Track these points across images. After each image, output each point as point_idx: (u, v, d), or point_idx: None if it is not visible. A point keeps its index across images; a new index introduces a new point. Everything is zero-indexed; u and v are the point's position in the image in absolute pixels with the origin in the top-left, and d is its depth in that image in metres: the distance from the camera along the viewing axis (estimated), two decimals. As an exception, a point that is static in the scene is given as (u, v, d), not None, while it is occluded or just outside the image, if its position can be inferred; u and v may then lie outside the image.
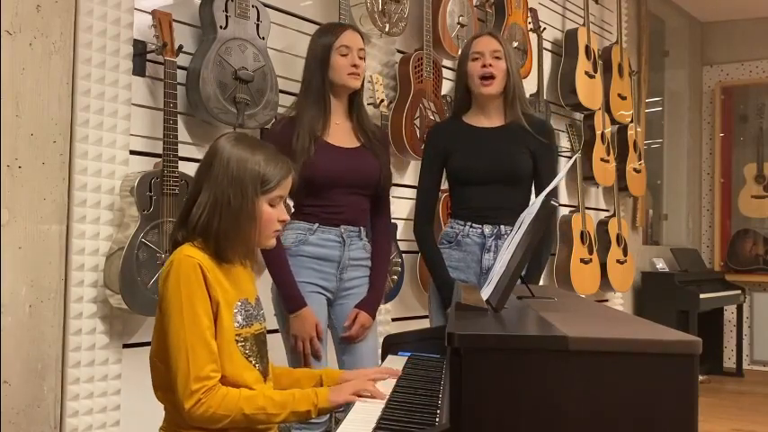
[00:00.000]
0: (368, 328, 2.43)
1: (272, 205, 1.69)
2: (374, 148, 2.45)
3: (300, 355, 2.32)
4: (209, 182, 1.66)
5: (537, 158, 2.61)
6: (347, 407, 1.59)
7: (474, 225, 2.60)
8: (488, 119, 2.64)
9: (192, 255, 1.61)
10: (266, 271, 3.01)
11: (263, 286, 2.94)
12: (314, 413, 1.62)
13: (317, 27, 2.59)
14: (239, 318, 1.67)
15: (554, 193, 2.64)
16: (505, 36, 4.15)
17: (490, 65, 2.56)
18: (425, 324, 3.69)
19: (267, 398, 1.61)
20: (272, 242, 1.74)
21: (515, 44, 4.24)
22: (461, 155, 2.61)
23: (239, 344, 1.66)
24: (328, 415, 2.39)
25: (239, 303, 1.68)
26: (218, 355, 1.60)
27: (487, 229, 2.58)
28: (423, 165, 2.73)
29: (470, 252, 2.59)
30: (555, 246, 4.63)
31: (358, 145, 2.43)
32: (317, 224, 2.37)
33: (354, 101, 2.46)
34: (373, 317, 2.45)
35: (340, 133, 2.42)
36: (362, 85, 2.46)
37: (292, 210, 2.48)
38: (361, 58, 2.40)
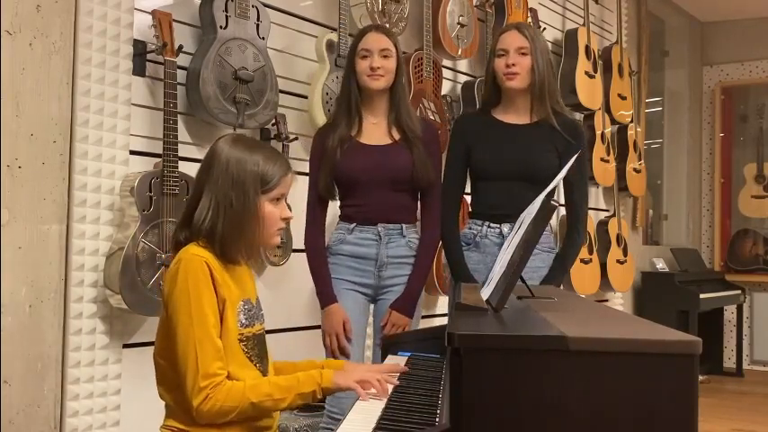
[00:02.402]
0: (402, 326, 2.41)
1: (273, 204, 1.70)
2: (410, 144, 2.43)
3: (328, 350, 2.37)
4: (209, 184, 1.67)
5: (564, 159, 2.48)
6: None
7: (492, 225, 2.53)
8: (517, 115, 2.56)
9: (199, 254, 1.63)
10: (276, 268, 3.03)
11: (269, 284, 2.95)
12: (318, 393, 1.64)
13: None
14: (242, 317, 1.69)
15: (582, 194, 2.58)
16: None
17: (513, 64, 2.48)
18: (425, 324, 3.69)
19: (272, 384, 1.62)
20: (276, 240, 1.74)
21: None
22: (483, 149, 2.54)
23: (242, 343, 1.67)
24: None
25: (242, 303, 1.70)
26: (223, 353, 1.61)
27: (506, 228, 2.49)
28: (447, 159, 2.66)
29: (489, 253, 2.50)
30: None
31: (390, 142, 2.44)
32: (354, 223, 2.42)
33: (393, 98, 2.45)
34: (409, 315, 2.42)
35: (375, 132, 2.44)
36: (396, 81, 2.44)
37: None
38: (384, 57, 2.39)
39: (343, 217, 2.47)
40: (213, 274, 1.62)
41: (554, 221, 4.51)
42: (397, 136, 2.44)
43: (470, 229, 2.59)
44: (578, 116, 5.08)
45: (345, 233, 2.43)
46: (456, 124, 2.72)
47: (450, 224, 2.60)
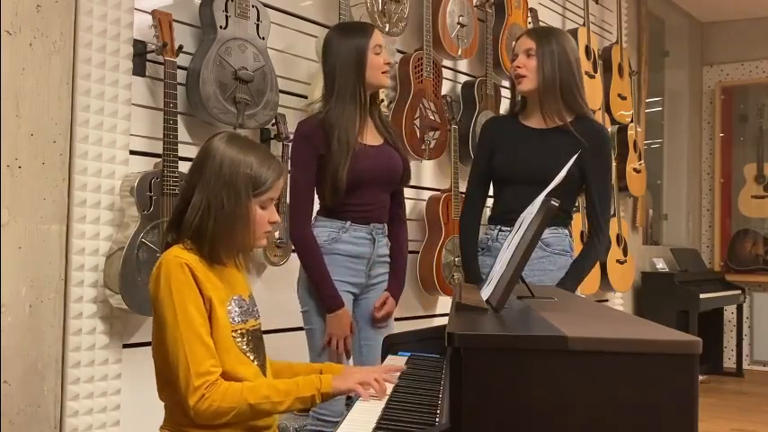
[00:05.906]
0: (391, 314, 2.50)
1: (263, 207, 1.70)
2: (395, 144, 2.47)
3: (335, 354, 2.34)
4: (201, 184, 1.66)
5: (584, 166, 2.43)
6: (349, 407, 1.59)
7: (503, 228, 2.51)
8: (538, 119, 2.53)
9: (178, 255, 1.63)
10: (275, 269, 3.02)
11: (268, 284, 2.94)
12: (318, 398, 1.64)
13: (336, 28, 2.53)
14: (235, 314, 1.68)
15: (603, 202, 2.50)
16: (505, 36, 4.15)
17: (517, 66, 2.50)
18: (425, 324, 3.69)
19: (271, 386, 1.62)
20: (263, 242, 1.75)
21: (513, 44, 4.23)
22: (502, 152, 2.54)
23: (237, 339, 1.67)
24: (343, 414, 2.39)
25: (234, 300, 1.69)
26: (215, 351, 1.61)
27: None
28: (473, 160, 2.71)
29: None
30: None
31: (382, 142, 2.45)
32: (348, 222, 2.38)
33: (375, 99, 2.46)
34: (396, 304, 2.53)
35: (366, 132, 2.42)
36: None
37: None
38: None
39: (333, 214, 2.38)
40: (195, 274, 1.61)
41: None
42: (383, 136, 2.45)
43: (486, 234, 2.60)
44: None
45: (339, 231, 2.37)
46: (483, 126, 2.73)
47: (468, 225, 2.62)
